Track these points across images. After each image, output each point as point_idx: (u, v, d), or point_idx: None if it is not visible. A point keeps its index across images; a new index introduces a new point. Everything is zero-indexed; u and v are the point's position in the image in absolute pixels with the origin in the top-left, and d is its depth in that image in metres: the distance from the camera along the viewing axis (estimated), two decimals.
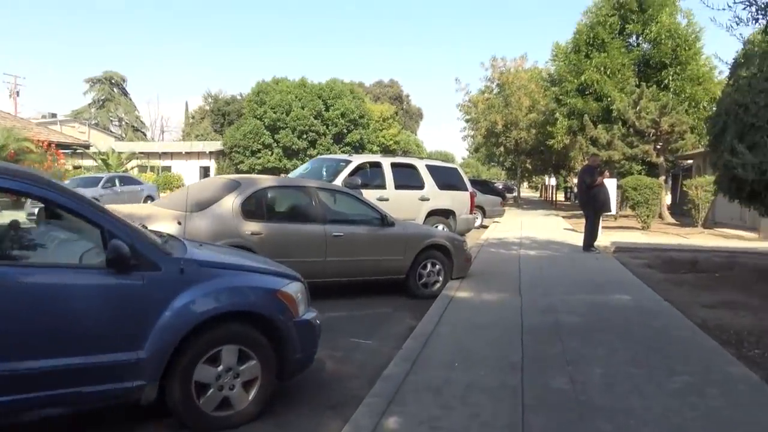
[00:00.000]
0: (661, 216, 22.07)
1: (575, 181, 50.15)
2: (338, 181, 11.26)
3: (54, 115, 60.17)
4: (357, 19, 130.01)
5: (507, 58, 37.49)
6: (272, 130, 44.89)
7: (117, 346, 3.43)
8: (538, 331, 5.84)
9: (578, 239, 14.42)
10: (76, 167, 32.63)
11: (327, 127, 45.67)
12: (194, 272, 3.72)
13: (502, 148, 39.19)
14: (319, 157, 14.35)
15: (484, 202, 21.68)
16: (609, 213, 12.96)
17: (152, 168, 46.00)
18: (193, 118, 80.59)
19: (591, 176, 12.19)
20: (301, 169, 13.32)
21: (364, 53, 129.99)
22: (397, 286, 8.32)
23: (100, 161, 29.38)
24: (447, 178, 13.09)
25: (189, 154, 47.62)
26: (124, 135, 79.64)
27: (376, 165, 12.24)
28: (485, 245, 13.80)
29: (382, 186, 11.89)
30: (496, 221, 22.14)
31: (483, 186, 27.27)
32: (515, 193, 47.96)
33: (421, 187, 12.39)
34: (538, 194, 70.77)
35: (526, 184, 70.25)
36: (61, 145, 29.05)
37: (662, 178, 22.69)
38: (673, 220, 22.65)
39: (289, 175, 13.08)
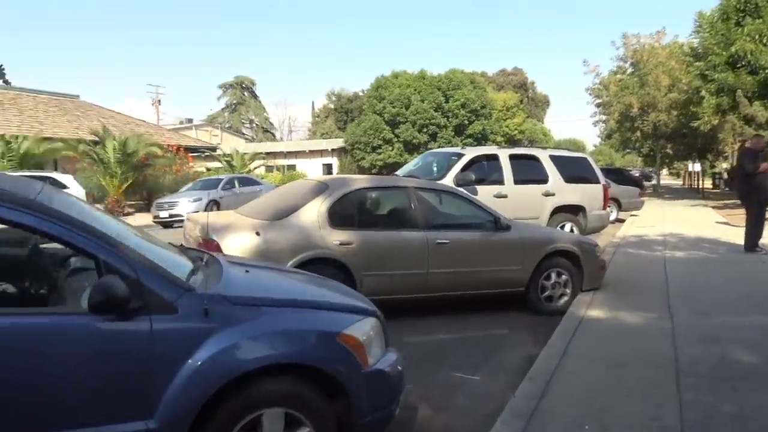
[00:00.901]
0: None
1: (724, 166, 45.39)
2: (449, 178, 10.15)
3: (190, 121, 63.69)
4: (476, 6, 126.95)
5: (641, 34, 34.18)
6: (392, 124, 44.31)
7: (116, 414, 2.58)
8: (700, 374, 4.40)
9: (736, 236, 12.26)
10: (208, 169, 33.82)
11: (447, 119, 44.34)
12: (224, 313, 2.81)
13: (638, 133, 35.87)
14: (430, 151, 13.27)
15: (619, 194, 19.58)
16: None
17: (278, 167, 47.14)
18: (317, 116, 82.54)
19: (753, 162, 10.14)
20: (411, 165, 12.30)
21: (485, 42, 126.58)
22: (516, 300, 7.09)
23: (224, 163, 30.24)
24: (575, 170, 11.50)
25: (312, 153, 48.28)
26: (254, 136, 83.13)
27: (493, 158, 10.95)
28: (621, 245, 12.07)
29: (500, 181, 10.59)
30: (634, 214, 19.93)
31: (617, 175, 24.99)
32: (654, 181, 44.15)
33: (544, 180, 10.95)
34: (680, 182, 65.22)
35: (665, 170, 64.92)
36: (190, 149, 30.34)
37: None
38: None
39: (398, 172, 12.12)
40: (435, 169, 11.11)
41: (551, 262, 7.04)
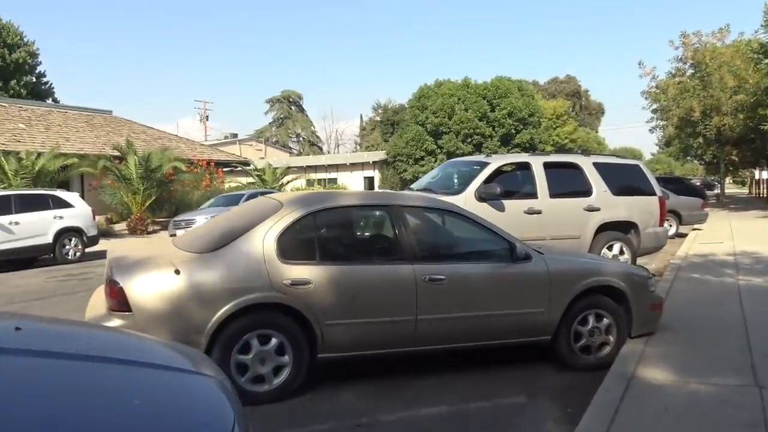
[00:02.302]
0: None
1: None
2: (470, 191, 8.51)
3: (235, 136, 63.60)
4: (524, 12, 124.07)
5: (702, 32, 31.59)
6: (435, 135, 42.70)
7: None
8: None
9: None
10: (250, 184, 32.90)
11: (493, 129, 42.43)
12: None
13: (700, 139, 33.19)
14: (451, 160, 11.62)
15: (680, 205, 17.40)
16: None
17: (319, 181, 46.17)
18: (364, 129, 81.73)
19: None
20: (429, 176, 10.64)
21: (535, 49, 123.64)
22: (543, 350, 5.41)
23: (256, 177, 29.22)
24: (625, 179, 9.64)
25: (353, 165, 47.07)
26: (301, 150, 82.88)
27: (524, 167, 9.23)
28: (683, 268, 10.13)
29: (533, 194, 8.86)
30: (697, 228, 17.71)
31: (677, 184, 22.66)
32: (717, 191, 41.07)
33: (587, 192, 9.15)
34: (746, 190, 61.24)
35: (729, 179, 61.02)
36: (221, 163, 29.45)
37: None
38: None
39: (413, 186, 10.52)
40: (456, 181, 9.47)
41: (588, 301, 5.33)
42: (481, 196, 8.45)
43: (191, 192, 24.86)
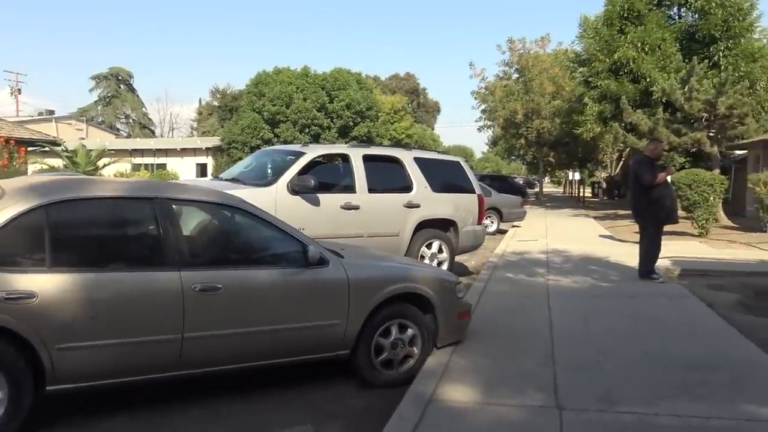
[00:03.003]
0: (716, 219, 18.17)
1: (603, 175, 46.10)
2: (282, 183, 7.72)
3: (51, 113, 57.40)
4: (364, 7, 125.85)
5: (527, 39, 33.60)
6: (272, 123, 41.38)
7: None
8: None
9: (624, 254, 10.78)
10: (52, 167, 29.37)
11: (331, 120, 42.03)
12: None
13: (522, 140, 35.37)
14: (265, 149, 10.82)
15: (501, 203, 18.02)
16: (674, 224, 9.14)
17: (146, 166, 42.97)
18: (201, 114, 77.90)
19: (651, 171, 8.47)
20: (242, 165, 9.68)
21: (378, 45, 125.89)
22: (342, 365, 4.78)
23: (66, 159, 26.11)
24: (446, 176, 9.42)
25: (185, 151, 44.34)
26: (131, 133, 77.18)
27: (342, 158, 8.66)
28: (498, 266, 10.17)
29: (350, 188, 8.28)
30: (516, 225, 18.46)
31: (501, 182, 23.73)
32: (537, 189, 44.17)
33: (407, 188, 8.77)
34: (561, 189, 66.86)
35: (547, 178, 66.23)
36: (25, 142, 25.96)
37: (716, 171, 18.82)
38: (730, 223, 18.77)
39: (222, 175, 9.54)
40: (269, 171, 8.64)
41: (392, 310, 4.78)
42: (294, 189, 7.71)
43: None
